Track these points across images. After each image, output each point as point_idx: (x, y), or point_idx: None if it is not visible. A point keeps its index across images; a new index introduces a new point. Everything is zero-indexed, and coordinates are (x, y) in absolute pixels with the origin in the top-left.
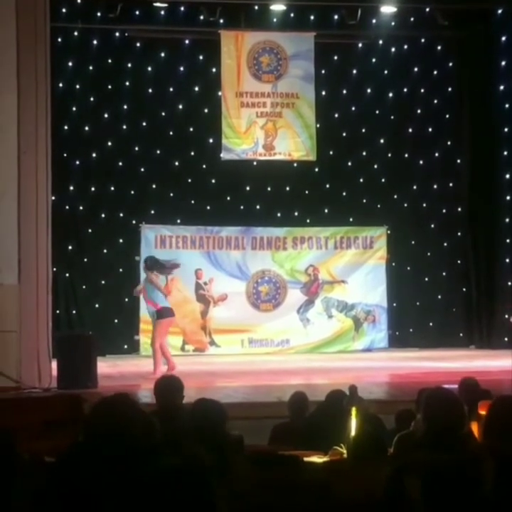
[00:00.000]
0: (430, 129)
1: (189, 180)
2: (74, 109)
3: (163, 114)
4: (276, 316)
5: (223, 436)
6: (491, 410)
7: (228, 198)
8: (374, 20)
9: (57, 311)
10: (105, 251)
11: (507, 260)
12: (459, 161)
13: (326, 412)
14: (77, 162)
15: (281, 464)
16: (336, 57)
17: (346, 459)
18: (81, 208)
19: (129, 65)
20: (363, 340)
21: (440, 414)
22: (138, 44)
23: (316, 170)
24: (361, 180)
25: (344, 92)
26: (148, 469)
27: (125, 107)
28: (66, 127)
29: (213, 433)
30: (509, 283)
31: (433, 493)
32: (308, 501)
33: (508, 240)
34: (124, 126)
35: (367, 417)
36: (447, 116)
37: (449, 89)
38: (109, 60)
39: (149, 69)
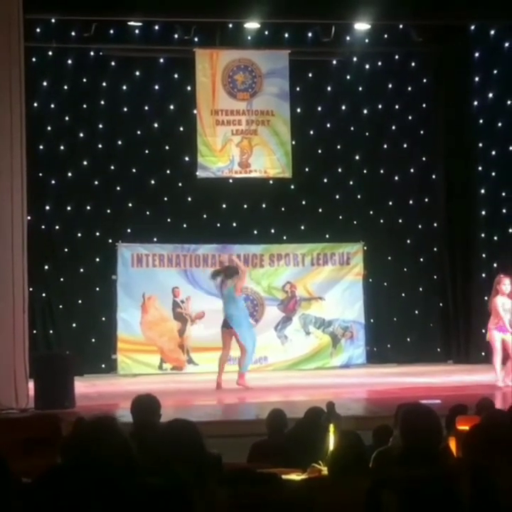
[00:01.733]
0: (405, 145)
1: (165, 199)
2: (49, 128)
3: (139, 132)
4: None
5: (200, 456)
6: (479, 426)
7: (205, 216)
8: (348, 38)
9: (34, 331)
10: (82, 270)
11: (483, 275)
12: (434, 176)
13: (304, 429)
14: (53, 181)
15: (259, 482)
16: (310, 75)
17: (325, 476)
18: (57, 227)
19: (104, 83)
20: (341, 356)
21: (417, 429)
22: (113, 63)
23: (292, 187)
24: (337, 196)
25: (319, 108)
26: (129, 490)
27: (100, 125)
28: (41, 147)
29: (191, 453)
30: (485, 297)
31: (410, 509)
32: None
33: (484, 255)
34: (100, 145)
35: (345, 433)
36: (422, 132)
37: (424, 105)
38: (84, 79)
39: (124, 87)
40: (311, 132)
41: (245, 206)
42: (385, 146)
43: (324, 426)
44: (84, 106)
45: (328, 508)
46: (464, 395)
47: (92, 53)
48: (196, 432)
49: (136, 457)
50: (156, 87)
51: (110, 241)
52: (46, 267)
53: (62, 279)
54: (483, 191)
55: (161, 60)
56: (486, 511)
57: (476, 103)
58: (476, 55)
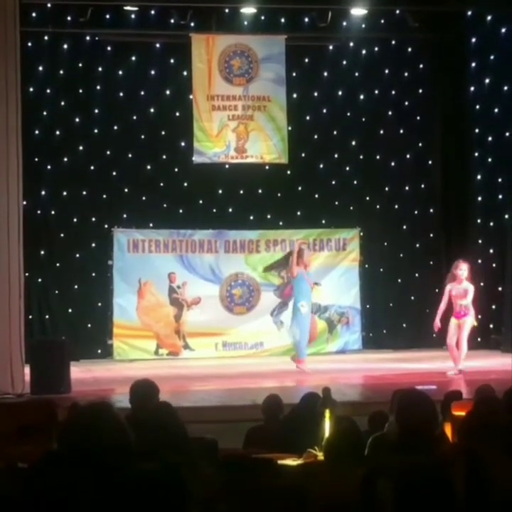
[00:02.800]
0: (402, 131)
1: (161, 184)
2: (45, 113)
3: (135, 117)
4: (250, 318)
5: (187, 441)
6: (472, 412)
7: (201, 202)
8: (344, 23)
9: (30, 317)
10: (78, 255)
11: (479, 261)
12: (430, 162)
13: (300, 414)
14: (49, 167)
15: (255, 467)
16: (306, 60)
17: (321, 461)
18: (53, 212)
19: (100, 68)
20: (337, 342)
21: (413, 415)
22: (109, 48)
23: (288, 172)
24: (333, 182)
25: (315, 94)
26: (125, 475)
27: (96, 111)
28: (37, 132)
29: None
30: (481, 283)
31: (405, 495)
32: (283, 504)
33: (480, 241)
34: (96, 131)
35: (340, 418)
36: (418, 117)
37: (420, 90)
38: (80, 64)
39: (120, 73)
40: (308, 118)
41: (241, 192)
42: (382, 132)
43: (320, 411)
44: (80, 91)
45: (324, 493)
46: (459, 380)
47: (87, 38)
48: (173, 414)
49: (132, 442)
50: (152, 73)
51: (106, 226)
52: (42, 253)
53: (58, 265)
54: (479, 177)
55: (157, 45)
56: (480, 497)
57: (472, 89)
58: (473, 41)
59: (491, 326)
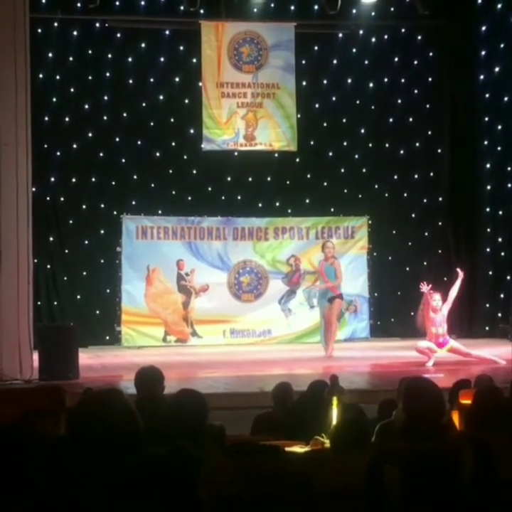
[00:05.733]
0: (411, 119)
1: (170, 171)
2: (54, 99)
3: (144, 104)
4: (258, 306)
5: (203, 427)
6: (476, 400)
7: (209, 189)
8: (354, 11)
9: (39, 303)
10: (86, 242)
11: (488, 249)
12: (439, 150)
13: (307, 402)
14: (58, 153)
15: (262, 454)
16: (316, 48)
17: (328, 448)
18: (62, 199)
19: (110, 55)
20: (345, 330)
21: (420, 403)
22: (118, 34)
23: (297, 160)
24: (342, 170)
25: (325, 82)
26: (135, 459)
27: (105, 97)
28: (46, 118)
29: (194, 424)
30: (490, 272)
31: (411, 482)
32: (290, 491)
33: (488, 230)
34: (105, 117)
35: (348, 406)
36: (427, 105)
37: (430, 78)
38: (90, 51)
39: (130, 59)
40: (317, 105)
41: (250, 179)
42: (390, 119)
43: (327, 399)
44: (90, 77)
45: (331, 480)
46: (467, 369)
47: (97, 25)
48: (202, 403)
49: (141, 428)
50: (162, 59)
51: (115, 213)
52: (51, 239)
53: (66, 251)
54: (488, 166)
55: (167, 32)
56: (487, 485)
57: (481, 77)
58: (483, 29)
59: (500, 314)
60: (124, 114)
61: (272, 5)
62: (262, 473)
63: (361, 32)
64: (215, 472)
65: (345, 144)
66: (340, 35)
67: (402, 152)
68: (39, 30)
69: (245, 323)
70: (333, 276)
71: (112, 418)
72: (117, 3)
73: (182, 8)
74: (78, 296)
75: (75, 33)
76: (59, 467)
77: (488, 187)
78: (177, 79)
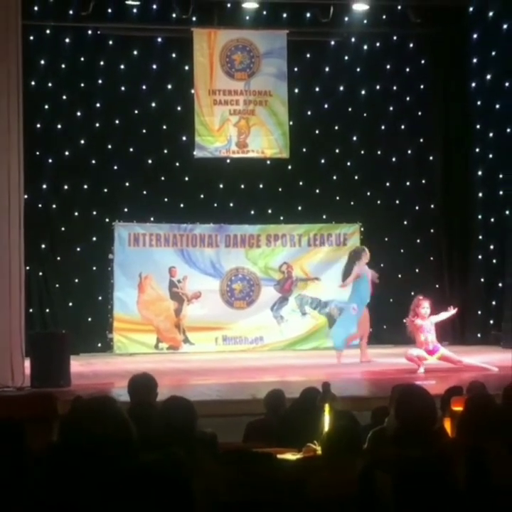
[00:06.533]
0: (403, 126)
1: (162, 178)
2: (46, 107)
3: (136, 111)
4: (250, 313)
5: (193, 434)
6: (467, 407)
7: (202, 196)
8: (346, 18)
9: (31, 310)
10: (78, 249)
11: (480, 256)
12: (431, 157)
13: (300, 409)
14: (50, 160)
15: (254, 461)
16: (308, 55)
17: (320, 455)
18: (54, 206)
19: (102, 62)
20: None
21: (412, 410)
22: (110, 42)
23: (290, 167)
24: (334, 177)
25: (317, 89)
26: (128, 466)
27: (98, 104)
28: (39, 125)
29: (183, 431)
30: (482, 279)
31: (403, 488)
32: (282, 498)
33: (480, 237)
34: (97, 124)
35: (340, 413)
36: (420, 113)
37: (422, 86)
38: (82, 58)
39: (122, 67)
40: (309, 113)
41: (242, 186)
42: (383, 127)
43: (319, 406)
44: (82, 84)
45: (323, 487)
46: (459, 375)
47: (89, 32)
48: (190, 411)
49: (134, 435)
50: (154, 67)
51: (107, 220)
52: (43, 246)
53: (58, 258)
54: (480, 173)
55: (159, 40)
56: (480, 493)
57: (473, 85)
58: (474, 36)
59: (491, 321)
60: (117, 121)
61: (264, 13)
62: (255, 481)
63: (353, 39)
64: (207, 479)
65: (337, 151)
66: (333, 42)
67: (394, 159)
68: (31, 38)
69: (237, 330)
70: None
71: (104, 426)
72: (110, 10)
73: (174, 15)
74: (70, 304)
75: (67, 40)
76: (52, 475)
77: (480, 194)
78: (169, 86)
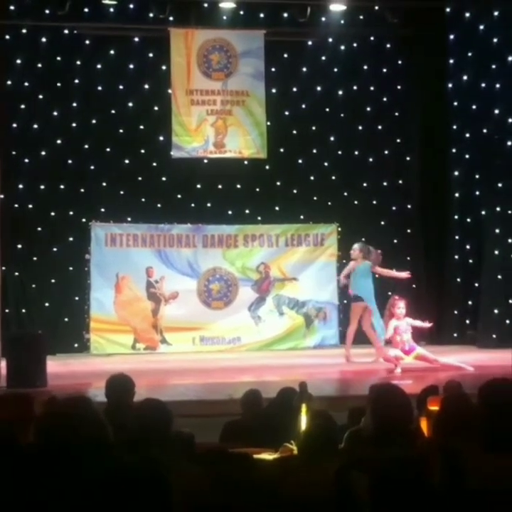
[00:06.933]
0: (380, 127)
1: (139, 178)
2: (23, 106)
3: (113, 111)
4: (228, 313)
5: (168, 435)
6: (443, 407)
7: (179, 196)
8: (323, 18)
9: (7, 310)
10: (55, 249)
11: (456, 256)
12: (408, 158)
13: (277, 409)
14: (27, 160)
15: (231, 461)
16: (285, 55)
17: (296, 455)
18: (30, 206)
19: (78, 62)
20: (314, 337)
21: (388, 410)
22: (87, 41)
23: (267, 167)
24: (312, 177)
25: (294, 89)
26: (105, 468)
27: (75, 104)
28: (15, 125)
29: (158, 432)
30: (458, 279)
31: (380, 488)
32: (259, 498)
33: (457, 237)
34: (74, 124)
35: (316, 413)
36: (397, 113)
37: (399, 86)
38: (59, 58)
39: (99, 66)
40: (286, 113)
41: (220, 186)
42: (360, 127)
43: (296, 406)
44: (59, 84)
45: (299, 487)
46: (435, 375)
47: (66, 31)
48: (165, 412)
49: (111, 436)
50: (131, 66)
51: (84, 220)
52: (19, 246)
53: (35, 259)
54: (457, 173)
55: (136, 39)
56: (455, 492)
57: (450, 85)
58: (451, 37)
59: (468, 321)
60: (93, 121)
61: (242, 12)
62: (231, 481)
63: (331, 40)
64: (184, 480)
65: (314, 151)
66: (310, 42)
67: (371, 159)
68: (7, 37)
69: (215, 330)
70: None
71: (80, 426)
72: (86, 10)
73: (151, 15)
74: (47, 304)
75: (43, 39)
76: (27, 476)
77: (457, 194)
78: (146, 86)
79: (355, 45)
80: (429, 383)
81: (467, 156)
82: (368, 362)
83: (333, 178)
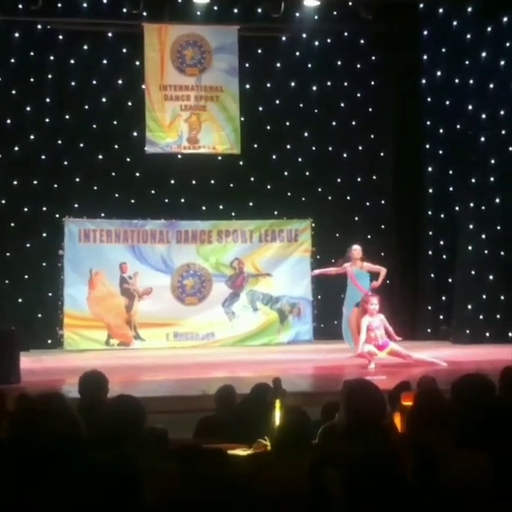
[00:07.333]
0: (354, 123)
1: (113, 174)
2: None
3: (87, 107)
4: (202, 309)
5: (141, 431)
6: (417, 402)
7: (153, 192)
8: (297, 14)
9: None
10: (28, 245)
11: (430, 252)
12: (382, 153)
13: (250, 405)
14: (0, 155)
15: (205, 457)
16: (259, 51)
17: (270, 451)
18: (3, 201)
19: (52, 57)
20: (288, 332)
21: (361, 405)
22: (61, 36)
23: (241, 163)
24: (286, 173)
25: (268, 85)
26: (77, 465)
27: (48, 100)
28: None
29: (131, 429)
30: (432, 275)
31: (353, 484)
32: (233, 494)
33: (430, 232)
34: (47, 120)
35: (290, 409)
36: (370, 109)
37: (372, 82)
38: (32, 53)
39: (72, 62)
40: (260, 108)
41: (194, 182)
42: (334, 123)
43: (270, 402)
44: (32, 80)
45: (273, 482)
46: (409, 370)
47: (39, 27)
48: (138, 408)
49: (83, 432)
50: (104, 62)
51: (57, 216)
52: None
53: (8, 254)
54: (430, 169)
55: (109, 35)
56: (429, 486)
57: (424, 81)
58: (425, 33)
59: (441, 317)
60: (67, 117)
61: (215, 8)
62: (205, 477)
63: (304, 35)
64: (157, 476)
65: (288, 147)
66: (284, 38)
67: (345, 155)
68: None
69: (189, 326)
70: (366, 280)
71: (53, 422)
72: (59, 4)
73: (125, 10)
74: (20, 300)
75: (16, 34)
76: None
77: (430, 190)
78: (120, 81)
79: (329, 40)
80: (403, 379)
81: (441, 152)
82: (346, 358)
83: (307, 173)
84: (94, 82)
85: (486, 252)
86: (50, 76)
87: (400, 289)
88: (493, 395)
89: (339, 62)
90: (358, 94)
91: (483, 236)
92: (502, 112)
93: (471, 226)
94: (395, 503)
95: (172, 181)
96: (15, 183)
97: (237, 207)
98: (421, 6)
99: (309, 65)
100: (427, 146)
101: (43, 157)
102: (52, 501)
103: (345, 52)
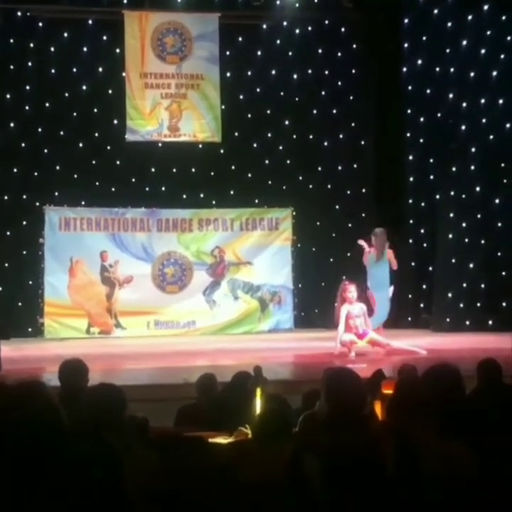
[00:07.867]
0: (335, 111)
1: (94, 162)
2: None
3: (67, 95)
4: (182, 297)
5: (122, 420)
6: (397, 390)
7: (133, 180)
8: (278, 2)
9: None
10: (8, 233)
11: (410, 241)
12: (363, 142)
13: (231, 393)
14: None
15: (185, 445)
16: (240, 39)
17: (251, 439)
18: None
19: (32, 45)
20: (269, 321)
21: (341, 394)
22: (40, 24)
23: (222, 151)
24: (267, 161)
25: (249, 73)
26: (57, 455)
27: (28, 87)
28: None
29: (111, 417)
30: (412, 263)
31: (333, 472)
32: (214, 482)
33: (411, 221)
34: (27, 108)
35: (271, 397)
36: (351, 97)
37: (353, 70)
38: (11, 40)
39: (52, 49)
40: (241, 97)
41: (174, 170)
42: (315, 111)
43: (251, 390)
44: (11, 67)
45: (253, 471)
46: (390, 359)
47: (19, 14)
48: (119, 397)
49: (64, 422)
50: (85, 49)
51: (37, 204)
52: None
53: None
54: (411, 157)
55: (90, 22)
56: (409, 475)
57: (405, 70)
58: (406, 21)
59: (422, 305)
60: (47, 105)
61: None
62: (186, 465)
63: (285, 23)
64: (138, 465)
65: (269, 135)
66: (265, 26)
67: (326, 144)
68: None
69: (169, 314)
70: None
71: (34, 410)
72: None
73: None
74: (0, 288)
75: None
76: None
77: (411, 178)
78: (100, 69)
79: (309, 28)
80: (383, 367)
81: (421, 141)
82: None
83: (288, 162)
84: (75, 69)
85: (466, 240)
86: (30, 63)
87: None
88: (459, 383)
89: (320, 51)
90: (339, 83)
91: (464, 224)
92: (482, 101)
93: (451, 214)
94: (375, 492)
95: (153, 169)
96: None
97: (218, 195)
98: None
99: (290, 53)
100: (408, 135)
101: (23, 145)
102: (33, 491)
103: (326, 40)
